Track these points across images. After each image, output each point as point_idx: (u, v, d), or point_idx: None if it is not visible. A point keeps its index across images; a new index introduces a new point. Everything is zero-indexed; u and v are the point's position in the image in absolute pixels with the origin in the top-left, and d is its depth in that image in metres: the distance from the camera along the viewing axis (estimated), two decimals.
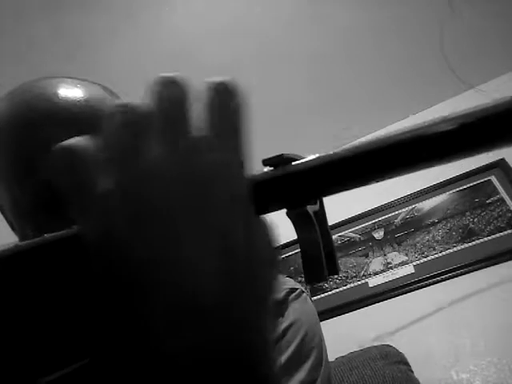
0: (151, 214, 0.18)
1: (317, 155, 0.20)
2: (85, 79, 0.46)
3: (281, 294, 0.50)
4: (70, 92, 0.42)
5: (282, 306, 0.49)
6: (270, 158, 0.20)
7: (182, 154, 0.18)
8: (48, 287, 0.22)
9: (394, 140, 0.18)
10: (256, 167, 0.21)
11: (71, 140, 0.19)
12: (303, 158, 0.21)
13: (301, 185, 0.20)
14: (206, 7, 1.46)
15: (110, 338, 0.21)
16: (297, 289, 0.52)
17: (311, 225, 0.20)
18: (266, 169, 0.21)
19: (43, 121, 0.40)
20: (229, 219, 0.18)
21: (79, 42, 1.44)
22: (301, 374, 0.43)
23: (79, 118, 0.41)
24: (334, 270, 0.22)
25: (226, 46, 1.56)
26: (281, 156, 0.20)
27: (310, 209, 0.21)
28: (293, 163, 0.20)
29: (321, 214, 0.22)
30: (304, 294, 0.53)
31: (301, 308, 0.50)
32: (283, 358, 0.43)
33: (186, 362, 0.18)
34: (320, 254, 0.20)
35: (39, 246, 0.21)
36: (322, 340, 0.50)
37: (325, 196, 0.21)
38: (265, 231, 0.21)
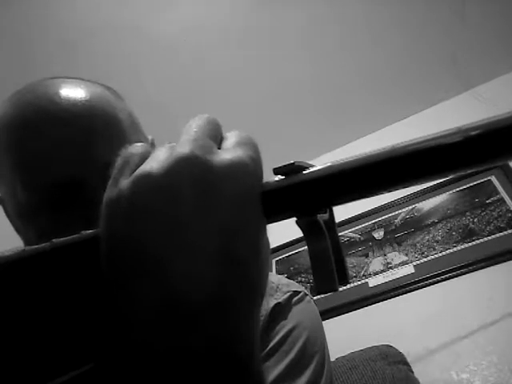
0: (157, 213, 0.18)
1: (328, 164, 0.20)
2: (88, 80, 0.46)
3: (284, 297, 0.49)
4: (72, 92, 0.42)
5: (285, 308, 0.49)
6: (280, 167, 0.20)
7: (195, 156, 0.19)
8: (52, 292, 0.21)
9: (407, 150, 0.18)
10: (265, 174, 0.21)
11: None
12: (313, 166, 0.20)
13: (311, 194, 0.20)
14: None
15: (110, 340, 0.21)
16: (300, 292, 0.52)
17: (321, 234, 0.20)
18: (277, 177, 0.20)
19: (45, 122, 0.40)
20: (235, 221, 0.18)
21: None
22: (303, 379, 0.42)
23: (79, 118, 0.41)
24: (345, 279, 0.21)
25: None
26: (291, 164, 0.20)
27: (320, 218, 0.20)
28: (303, 172, 0.20)
29: (330, 222, 0.22)
30: (307, 297, 0.52)
31: (304, 311, 0.50)
32: (285, 361, 0.43)
33: (176, 360, 0.18)
34: (330, 264, 0.20)
35: (45, 252, 0.21)
36: (324, 343, 0.49)
37: (335, 205, 0.20)
38: (266, 238, 0.21)
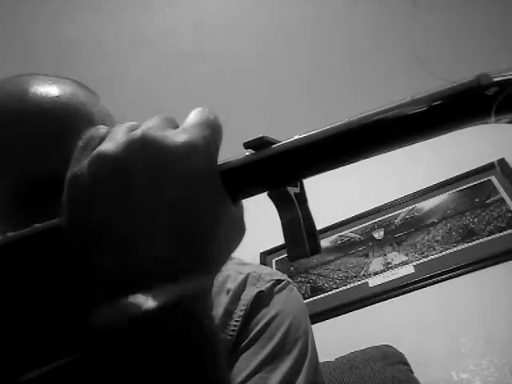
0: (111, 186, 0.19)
1: (295, 137, 0.21)
2: (58, 75, 0.46)
3: (266, 285, 0.50)
4: (42, 89, 0.42)
5: (268, 296, 0.49)
6: (250, 141, 0.21)
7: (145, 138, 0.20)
8: (37, 277, 0.22)
9: (368, 121, 0.19)
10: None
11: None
12: (282, 141, 0.21)
13: (280, 166, 0.20)
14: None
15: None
16: (283, 280, 0.52)
17: (292, 204, 0.21)
18: (248, 151, 0.21)
19: (16, 121, 0.40)
20: (185, 198, 0.19)
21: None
22: (285, 365, 0.43)
23: (50, 114, 0.41)
24: (317, 249, 0.22)
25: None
26: (261, 138, 0.21)
27: (291, 190, 0.21)
28: (273, 146, 0.21)
29: (302, 195, 0.23)
30: (290, 285, 0.52)
31: (286, 299, 0.50)
32: (268, 348, 0.43)
33: (140, 330, 0.19)
34: (300, 230, 0.21)
35: (26, 237, 0.22)
36: (308, 329, 0.49)
37: (304, 177, 0.21)
38: (234, 216, 0.22)
